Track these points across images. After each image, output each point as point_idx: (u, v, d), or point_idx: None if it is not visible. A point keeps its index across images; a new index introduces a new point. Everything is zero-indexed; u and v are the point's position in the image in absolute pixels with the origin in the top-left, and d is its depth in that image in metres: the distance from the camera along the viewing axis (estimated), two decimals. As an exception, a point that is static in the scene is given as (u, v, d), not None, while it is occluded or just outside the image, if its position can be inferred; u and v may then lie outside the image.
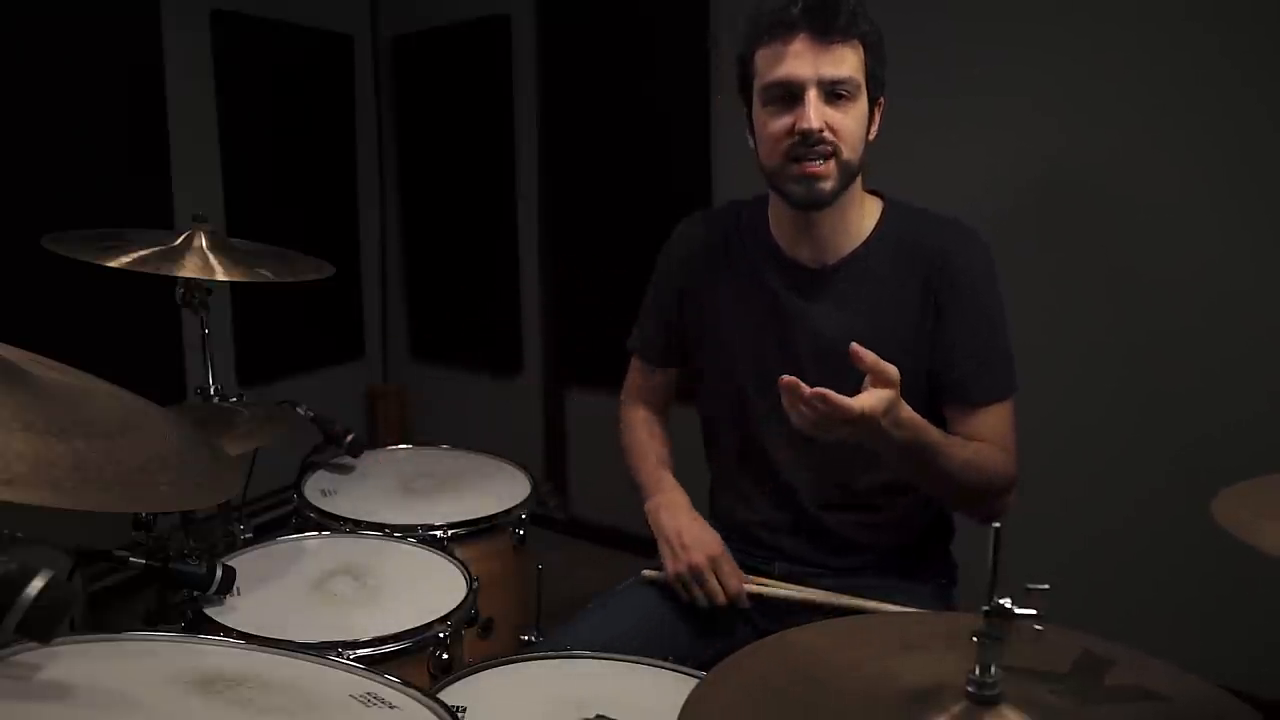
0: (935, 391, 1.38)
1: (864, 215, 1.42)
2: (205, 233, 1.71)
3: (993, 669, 0.69)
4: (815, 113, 1.28)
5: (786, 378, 1.11)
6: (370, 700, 0.94)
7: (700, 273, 1.52)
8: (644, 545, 1.62)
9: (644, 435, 1.64)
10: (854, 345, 1.12)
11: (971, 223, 1.42)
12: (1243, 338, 2.21)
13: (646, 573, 1.49)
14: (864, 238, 1.41)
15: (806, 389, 1.10)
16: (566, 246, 3.51)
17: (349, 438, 1.83)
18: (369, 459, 1.92)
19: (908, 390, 1.28)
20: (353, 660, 1.05)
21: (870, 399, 1.13)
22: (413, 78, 3.88)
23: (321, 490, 1.76)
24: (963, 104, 2.49)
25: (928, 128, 2.42)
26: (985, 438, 1.34)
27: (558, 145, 3.46)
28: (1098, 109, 2.32)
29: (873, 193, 1.45)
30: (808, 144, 1.29)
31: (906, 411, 1.19)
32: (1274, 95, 2.12)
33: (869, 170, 1.40)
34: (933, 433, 1.24)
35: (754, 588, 1.41)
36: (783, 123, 1.31)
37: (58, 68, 2.77)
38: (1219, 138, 2.19)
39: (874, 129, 1.37)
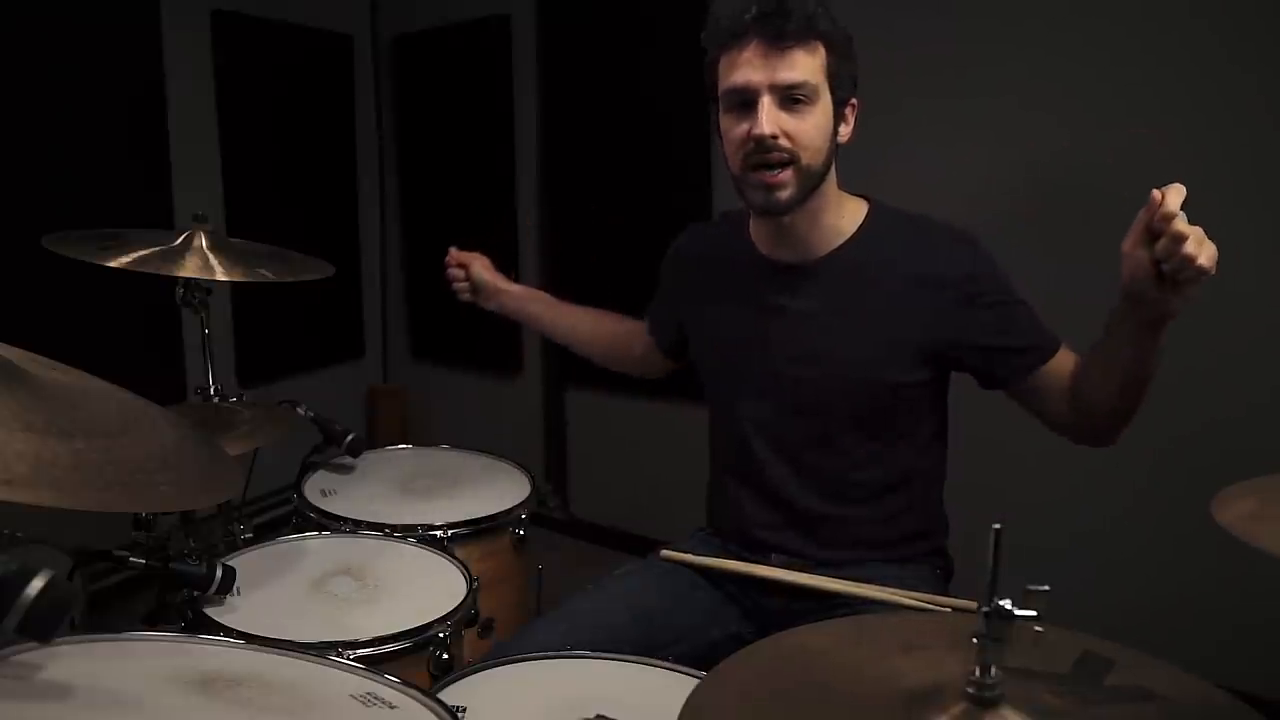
0: (1000, 378, 1.38)
1: (843, 216, 1.41)
2: (205, 233, 1.71)
3: (993, 670, 0.69)
4: (768, 119, 1.27)
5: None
6: (370, 700, 0.94)
7: (693, 289, 1.56)
8: (644, 545, 1.62)
9: None
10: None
11: (968, 227, 1.42)
12: (1239, 335, 2.21)
13: (666, 553, 1.51)
14: (848, 235, 1.41)
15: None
16: (566, 247, 3.50)
17: (349, 438, 1.83)
18: (369, 459, 1.92)
19: (888, 383, 1.35)
20: (353, 660, 1.05)
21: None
22: (413, 78, 3.87)
23: (321, 490, 1.76)
24: (962, 104, 2.48)
25: (927, 128, 2.42)
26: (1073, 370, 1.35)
27: (558, 145, 3.46)
28: (1097, 108, 2.32)
29: (860, 197, 1.45)
30: (763, 150, 1.29)
31: None
32: (1272, 92, 2.12)
33: (846, 170, 1.40)
34: None
35: (758, 572, 1.43)
36: (740, 130, 1.31)
37: (58, 68, 2.76)
38: (1219, 136, 2.19)
39: (846, 130, 1.37)
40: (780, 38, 1.26)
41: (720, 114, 1.36)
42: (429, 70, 3.80)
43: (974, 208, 1.86)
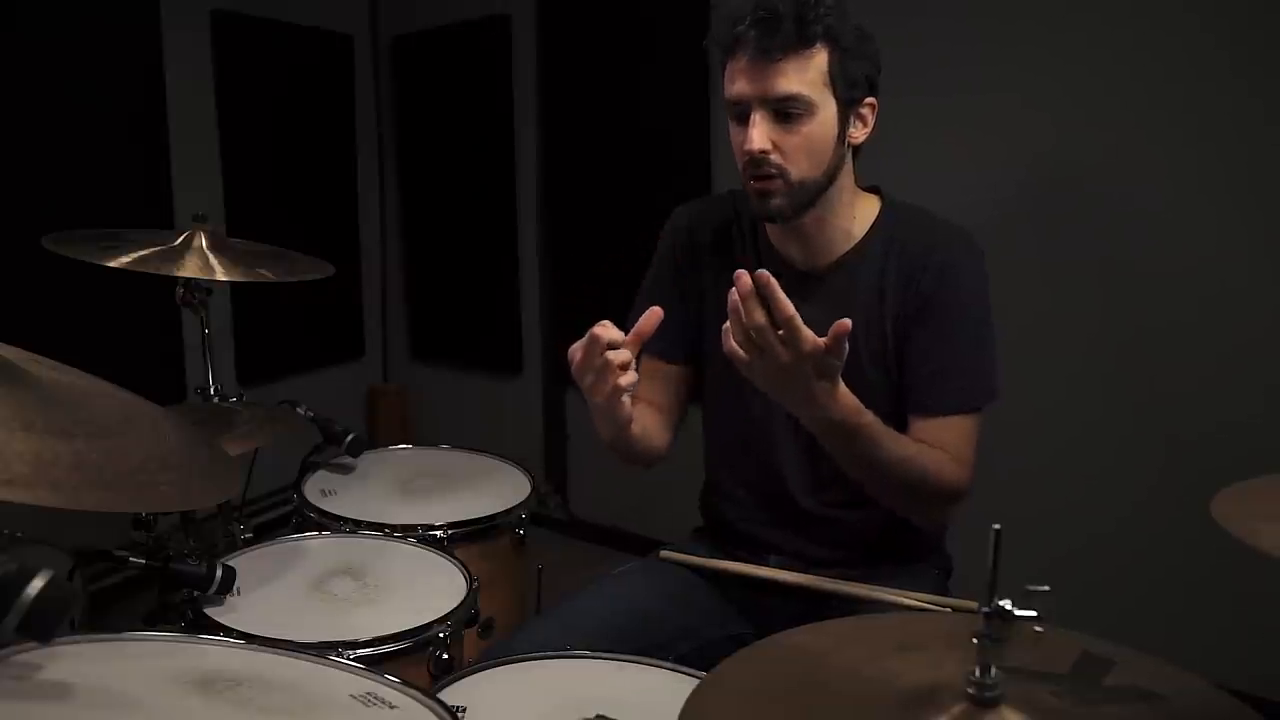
0: (899, 397, 1.37)
1: (856, 217, 1.40)
2: (205, 233, 1.71)
3: (992, 670, 0.69)
4: (758, 134, 1.26)
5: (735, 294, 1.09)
6: (370, 700, 0.94)
7: (700, 259, 1.50)
8: (644, 545, 1.62)
9: None
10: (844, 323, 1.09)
11: (966, 226, 1.40)
12: (1238, 336, 2.21)
13: (665, 553, 1.50)
14: (857, 240, 1.39)
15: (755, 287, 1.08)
16: (566, 246, 3.51)
17: (349, 438, 1.83)
18: (369, 459, 1.92)
19: (880, 398, 1.30)
20: (353, 660, 1.05)
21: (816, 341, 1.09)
22: (413, 78, 3.87)
23: (321, 490, 1.76)
24: (955, 102, 2.48)
25: (921, 126, 2.41)
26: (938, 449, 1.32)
27: (558, 145, 3.46)
28: (1091, 107, 2.32)
29: (873, 190, 1.43)
30: (754, 164, 1.29)
31: (843, 390, 1.16)
32: (1268, 92, 2.12)
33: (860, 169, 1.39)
34: (870, 418, 1.21)
35: (758, 572, 1.42)
36: (738, 140, 1.31)
37: (58, 67, 2.76)
38: (1212, 135, 2.19)
39: (861, 132, 1.34)
40: (769, 50, 1.24)
41: (728, 119, 1.35)
42: (429, 70, 3.80)
43: (969, 203, 1.86)
